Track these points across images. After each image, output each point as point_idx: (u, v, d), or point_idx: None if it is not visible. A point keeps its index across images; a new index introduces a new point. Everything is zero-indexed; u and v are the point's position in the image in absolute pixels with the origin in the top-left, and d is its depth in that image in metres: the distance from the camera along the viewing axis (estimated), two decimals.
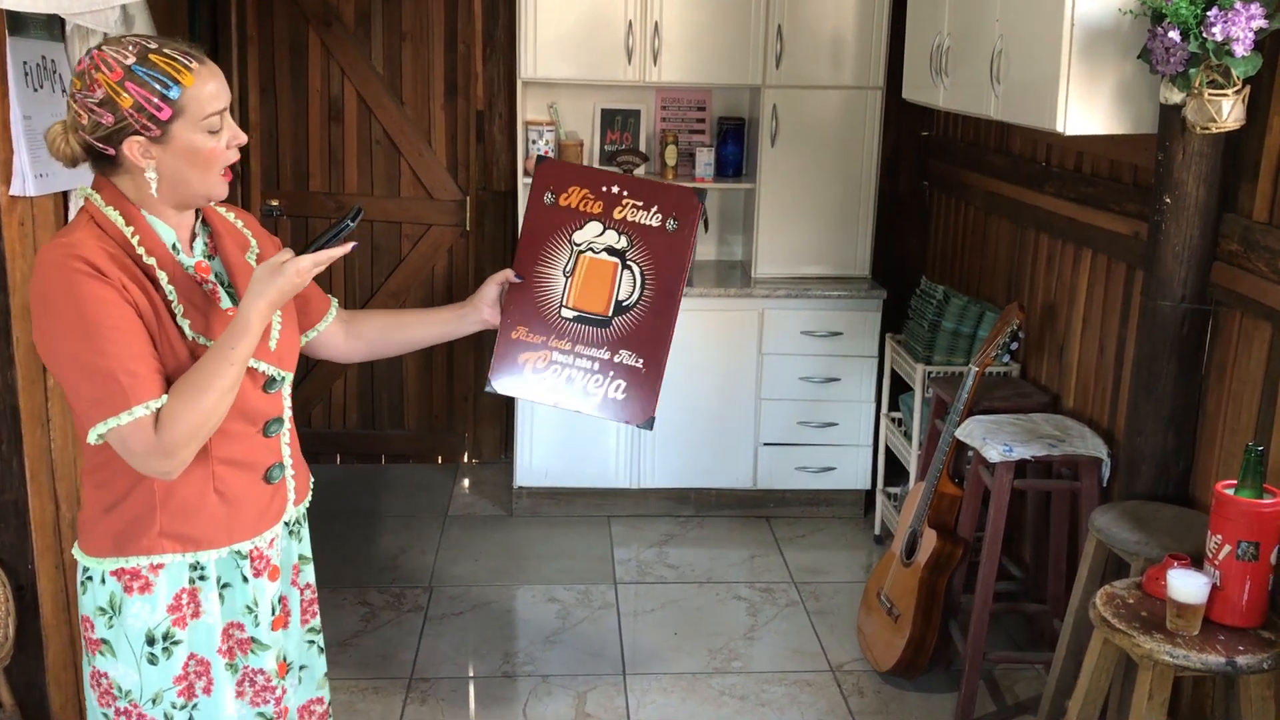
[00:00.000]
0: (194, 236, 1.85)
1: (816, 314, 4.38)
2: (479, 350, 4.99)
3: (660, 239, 2.14)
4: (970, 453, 3.30)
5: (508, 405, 5.00)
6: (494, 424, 5.10)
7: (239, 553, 1.86)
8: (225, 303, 1.82)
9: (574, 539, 4.39)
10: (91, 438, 1.66)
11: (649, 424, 2.14)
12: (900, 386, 4.37)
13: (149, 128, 1.69)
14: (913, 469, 3.94)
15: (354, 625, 3.71)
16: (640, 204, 2.15)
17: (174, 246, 1.80)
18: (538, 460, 4.47)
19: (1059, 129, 2.79)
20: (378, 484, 4.91)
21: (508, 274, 2.15)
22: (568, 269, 2.16)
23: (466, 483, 4.94)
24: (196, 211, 1.87)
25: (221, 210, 1.95)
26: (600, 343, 2.14)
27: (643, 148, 4.73)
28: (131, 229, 1.74)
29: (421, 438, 5.11)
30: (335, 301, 2.15)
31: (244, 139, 1.78)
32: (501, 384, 2.19)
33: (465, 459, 5.15)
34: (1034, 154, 3.82)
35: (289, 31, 4.76)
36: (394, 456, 5.12)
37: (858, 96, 4.41)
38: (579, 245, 2.16)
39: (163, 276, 1.74)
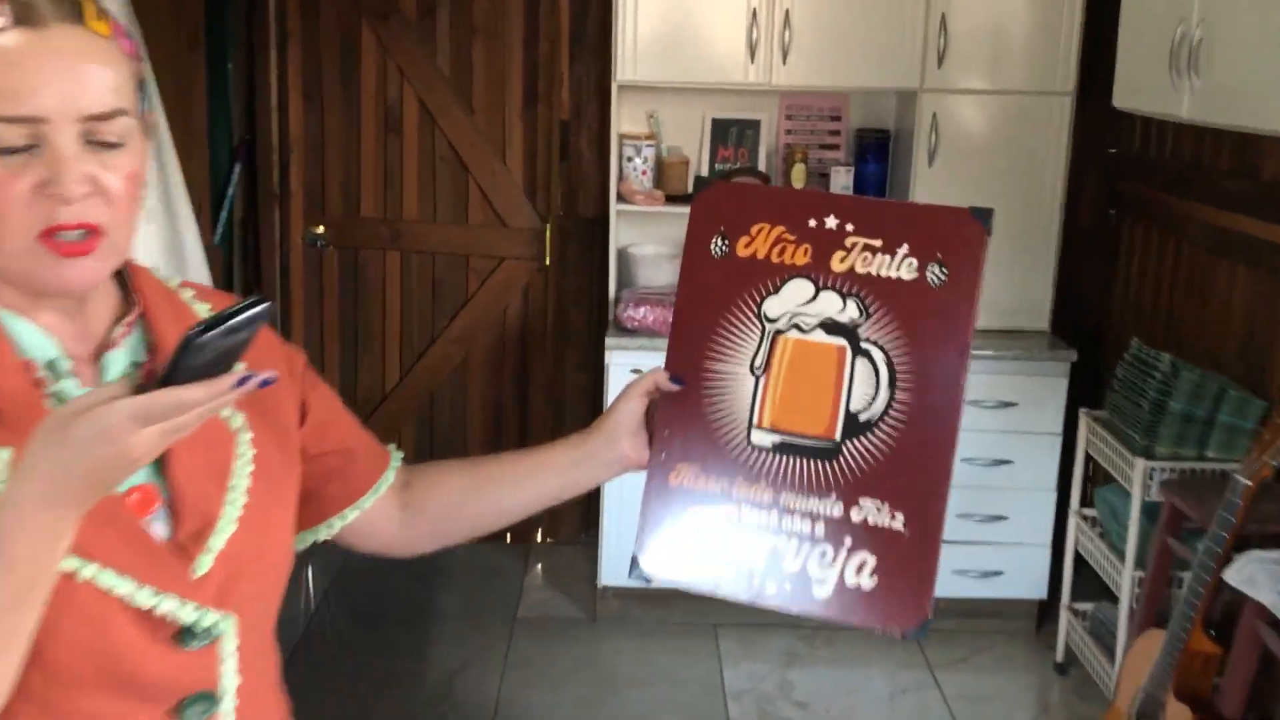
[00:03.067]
0: (107, 347, 1.02)
1: (985, 378, 3.45)
2: (558, 388, 4.15)
3: (919, 300, 1.26)
4: (1229, 591, 2.39)
5: None
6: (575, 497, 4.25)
7: None
8: (144, 475, 0.99)
9: (673, 657, 3.52)
10: None
11: (921, 629, 1.26)
12: (1095, 474, 3.44)
13: None
14: (1124, 595, 3.00)
15: None
16: (877, 243, 1.28)
17: (50, 366, 0.97)
18: (628, 548, 3.60)
19: None
20: (432, 569, 4.08)
21: (659, 377, 1.31)
22: (758, 364, 1.30)
23: (540, 569, 4.10)
24: (124, 301, 1.05)
25: (189, 297, 1.12)
26: (826, 487, 1.28)
27: (762, 166, 3.86)
28: None
29: None
30: (398, 455, 1.31)
31: (73, 191, 0.90)
32: (656, 562, 1.34)
33: (538, 538, 4.30)
34: None
35: (339, 26, 3.97)
36: None
37: (1040, 104, 3.50)
38: (775, 321, 1.31)
39: None
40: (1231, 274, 3.18)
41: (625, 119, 3.79)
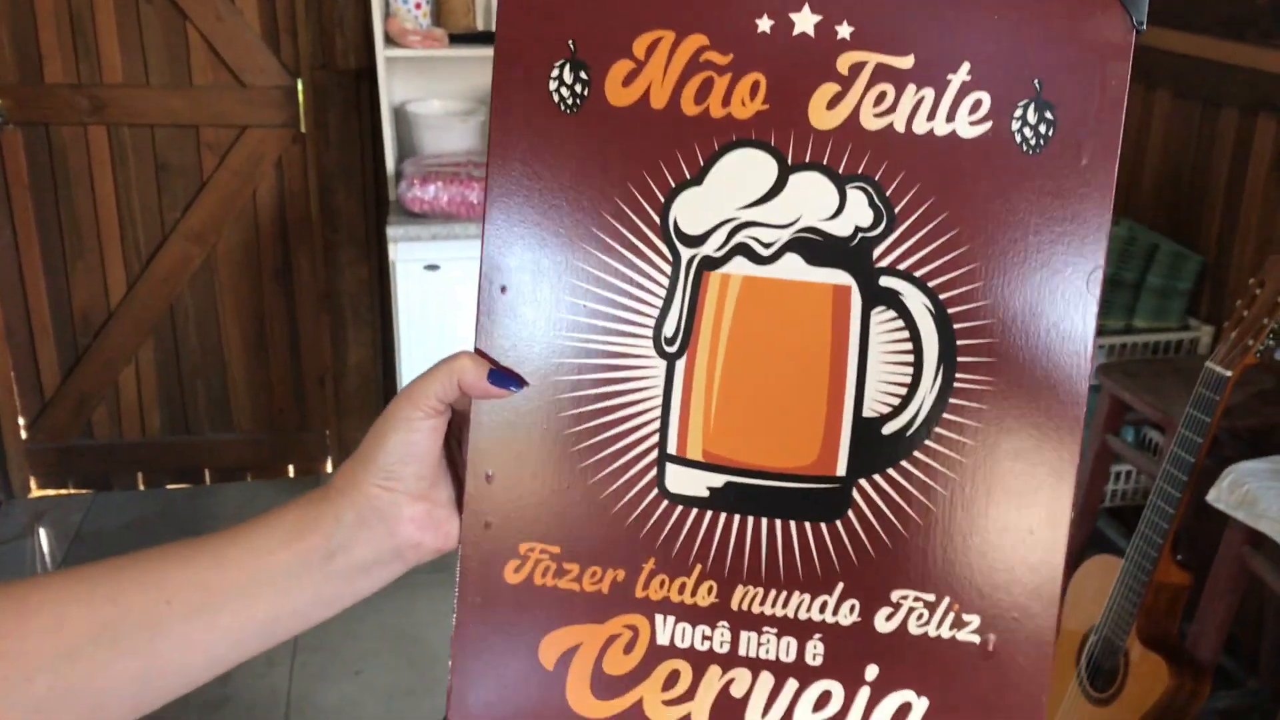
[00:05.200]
0: None
1: None
2: (334, 288, 3.36)
3: (998, 179, 0.59)
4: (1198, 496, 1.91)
5: (385, 380, 3.42)
6: (366, 412, 3.51)
7: None
8: None
9: None
10: None
11: None
12: None
13: None
14: None
15: None
16: (905, 61, 0.60)
17: None
18: None
19: None
20: (197, 519, 3.30)
21: (465, 370, 0.62)
22: (671, 332, 0.62)
23: None
24: None
25: None
26: (823, 572, 0.62)
27: None
28: None
29: (260, 442, 3.50)
30: None
31: None
32: (481, 713, 0.64)
33: (329, 467, 3.56)
34: None
35: None
36: (223, 472, 3.50)
37: None
38: (699, 242, 0.62)
39: None
40: (1147, 102, 2.64)
41: None
